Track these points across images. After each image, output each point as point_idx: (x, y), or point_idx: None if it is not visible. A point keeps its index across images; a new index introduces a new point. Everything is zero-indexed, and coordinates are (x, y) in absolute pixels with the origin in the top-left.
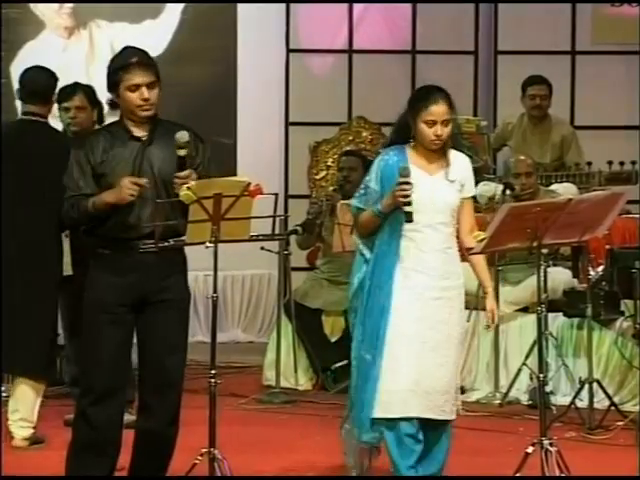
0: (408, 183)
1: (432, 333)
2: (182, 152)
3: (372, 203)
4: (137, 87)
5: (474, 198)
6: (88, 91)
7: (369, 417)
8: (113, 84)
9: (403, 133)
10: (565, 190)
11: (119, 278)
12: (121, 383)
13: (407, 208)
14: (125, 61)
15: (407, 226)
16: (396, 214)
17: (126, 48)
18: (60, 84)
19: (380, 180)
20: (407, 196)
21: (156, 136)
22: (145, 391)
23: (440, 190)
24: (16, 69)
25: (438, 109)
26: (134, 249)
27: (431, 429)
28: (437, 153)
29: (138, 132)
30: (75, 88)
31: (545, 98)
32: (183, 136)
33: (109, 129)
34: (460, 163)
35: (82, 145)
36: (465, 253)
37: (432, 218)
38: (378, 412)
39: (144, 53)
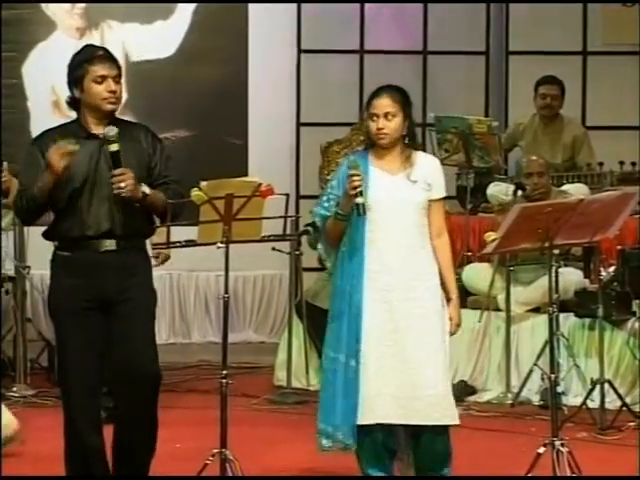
0: (357, 175)
1: (397, 336)
2: (114, 147)
3: (336, 208)
4: (103, 79)
5: (445, 199)
6: None
7: (354, 424)
8: (77, 78)
9: (368, 136)
10: (576, 190)
11: (80, 279)
12: (94, 383)
13: (358, 200)
14: (90, 54)
15: (370, 227)
16: (356, 219)
17: (87, 45)
18: None
19: (341, 184)
20: (356, 187)
21: None
22: (116, 393)
23: (401, 189)
24: (27, 70)
25: (379, 102)
26: (93, 249)
27: (421, 435)
28: (397, 153)
29: (96, 130)
30: None
31: (556, 98)
32: (111, 130)
33: (65, 126)
34: (426, 164)
35: (36, 140)
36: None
37: (394, 217)
38: (360, 419)
39: (106, 49)
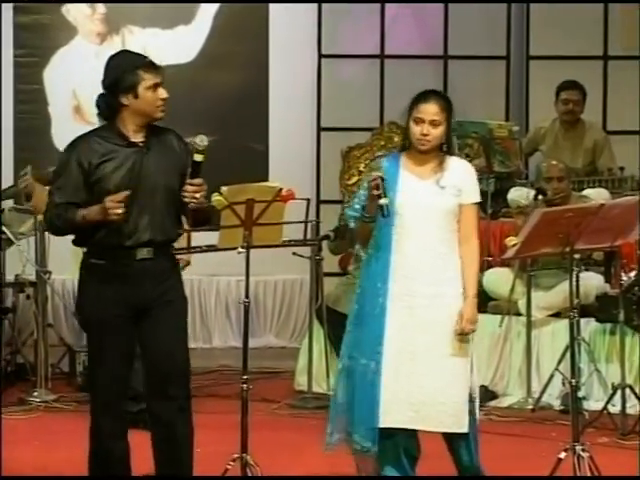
0: (379, 176)
1: (414, 341)
2: (199, 157)
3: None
4: (157, 86)
5: (480, 204)
6: None
7: (374, 427)
8: (130, 85)
9: (404, 138)
10: (597, 195)
11: (116, 288)
12: (125, 393)
13: (381, 201)
14: (141, 60)
15: (396, 230)
16: (385, 220)
17: (124, 51)
18: (92, 90)
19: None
20: (377, 188)
21: (153, 142)
22: (151, 396)
23: (429, 195)
24: (49, 75)
25: (427, 107)
26: (130, 258)
27: (448, 440)
28: (430, 158)
29: (135, 138)
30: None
31: (578, 103)
32: (202, 140)
33: (101, 134)
34: (458, 169)
35: (72, 149)
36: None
37: (420, 222)
38: (379, 422)
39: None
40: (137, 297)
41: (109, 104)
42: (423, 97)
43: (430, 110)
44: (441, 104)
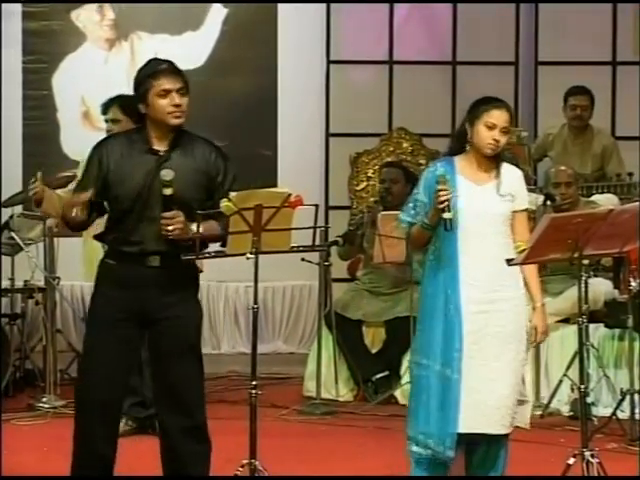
0: (445, 190)
1: (484, 347)
2: (167, 191)
3: (422, 216)
4: (167, 93)
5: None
6: (123, 103)
7: (453, 432)
8: (142, 93)
9: (459, 142)
10: (606, 201)
11: (121, 291)
12: (116, 398)
13: (445, 215)
14: (154, 68)
15: (460, 236)
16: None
17: (152, 59)
18: (101, 96)
19: (427, 192)
20: (443, 202)
21: (176, 151)
22: (160, 411)
23: (487, 200)
24: (57, 81)
25: (501, 114)
26: (140, 263)
27: (485, 445)
28: (487, 164)
29: (158, 145)
30: (110, 101)
31: (586, 109)
32: (167, 174)
33: (130, 136)
34: (511, 176)
35: (99, 145)
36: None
37: (480, 228)
38: (461, 427)
39: (171, 62)
40: (140, 303)
41: (137, 114)
42: (495, 103)
43: (504, 117)
44: (511, 113)
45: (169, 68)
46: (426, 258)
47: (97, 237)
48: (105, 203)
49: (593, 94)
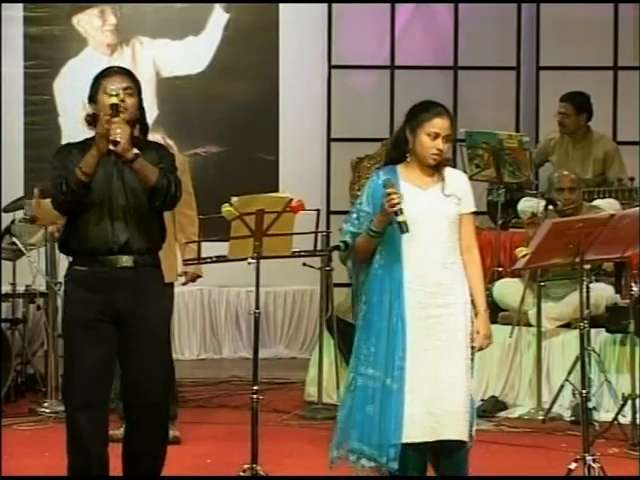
0: (395, 193)
1: (431, 354)
2: (113, 99)
3: (365, 226)
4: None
5: (475, 214)
6: None
7: (395, 443)
8: (92, 94)
9: (399, 151)
10: (608, 206)
11: (95, 294)
12: (101, 398)
13: (399, 218)
14: (103, 72)
15: (404, 243)
16: (390, 233)
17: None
18: None
19: (371, 201)
20: (395, 204)
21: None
22: (126, 406)
23: (434, 203)
24: (59, 86)
25: (443, 122)
26: (110, 265)
27: (446, 455)
28: (431, 169)
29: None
30: None
31: (568, 116)
32: (113, 84)
33: (84, 142)
34: (456, 178)
35: (57, 154)
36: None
37: (428, 233)
38: (405, 437)
39: (123, 67)
40: (111, 304)
41: (88, 116)
42: (437, 112)
43: (446, 125)
44: (451, 118)
45: (119, 69)
46: (371, 268)
47: (62, 246)
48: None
49: (583, 101)
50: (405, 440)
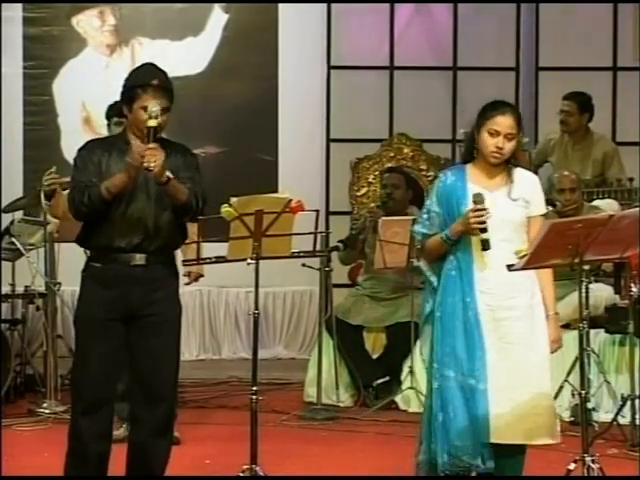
0: (483, 209)
1: (501, 355)
2: (152, 122)
3: (437, 226)
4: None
5: (544, 216)
6: None
7: (486, 442)
8: (128, 99)
9: (468, 148)
10: (607, 206)
11: (107, 291)
12: (108, 397)
13: (484, 235)
14: (146, 80)
15: (472, 247)
16: (462, 238)
17: (146, 64)
18: (102, 102)
19: (439, 202)
20: (482, 222)
21: None
22: (135, 403)
23: (500, 207)
24: (58, 87)
25: (504, 120)
26: (123, 262)
27: (509, 455)
28: (498, 170)
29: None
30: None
31: (571, 114)
32: (154, 106)
33: (109, 139)
34: (525, 181)
35: (83, 148)
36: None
37: (494, 236)
38: (495, 437)
39: (164, 74)
40: (124, 302)
41: (118, 109)
42: (499, 109)
43: (508, 123)
44: (516, 117)
45: (160, 85)
46: (445, 269)
47: (80, 241)
48: None
49: (585, 101)
50: (495, 440)
